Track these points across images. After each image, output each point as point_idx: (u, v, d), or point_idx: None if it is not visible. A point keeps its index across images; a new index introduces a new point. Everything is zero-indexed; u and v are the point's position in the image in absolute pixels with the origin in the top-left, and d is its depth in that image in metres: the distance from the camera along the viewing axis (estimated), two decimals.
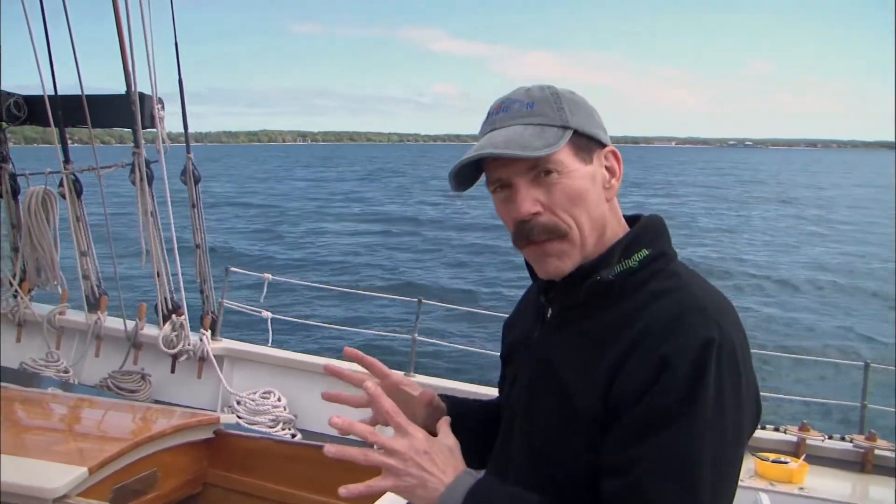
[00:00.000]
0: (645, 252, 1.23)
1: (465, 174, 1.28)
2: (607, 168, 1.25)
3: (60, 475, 2.02)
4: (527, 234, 1.22)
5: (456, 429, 1.29)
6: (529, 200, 1.20)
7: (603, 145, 1.25)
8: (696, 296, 1.18)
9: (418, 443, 1.21)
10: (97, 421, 2.84)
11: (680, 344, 1.10)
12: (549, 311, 1.31)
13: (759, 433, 4.65)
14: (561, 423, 1.19)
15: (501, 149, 1.18)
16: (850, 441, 4.57)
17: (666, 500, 1.07)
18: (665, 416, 1.08)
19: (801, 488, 4.02)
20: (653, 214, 1.31)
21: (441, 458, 1.20)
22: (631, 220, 1.31)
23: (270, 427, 5.24)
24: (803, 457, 4.31)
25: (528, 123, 1.20)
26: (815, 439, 4.55)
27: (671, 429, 1.08)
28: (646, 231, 1.26)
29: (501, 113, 1.24)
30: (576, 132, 1.20)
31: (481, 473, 1.23)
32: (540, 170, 1.20)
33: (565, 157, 1.19)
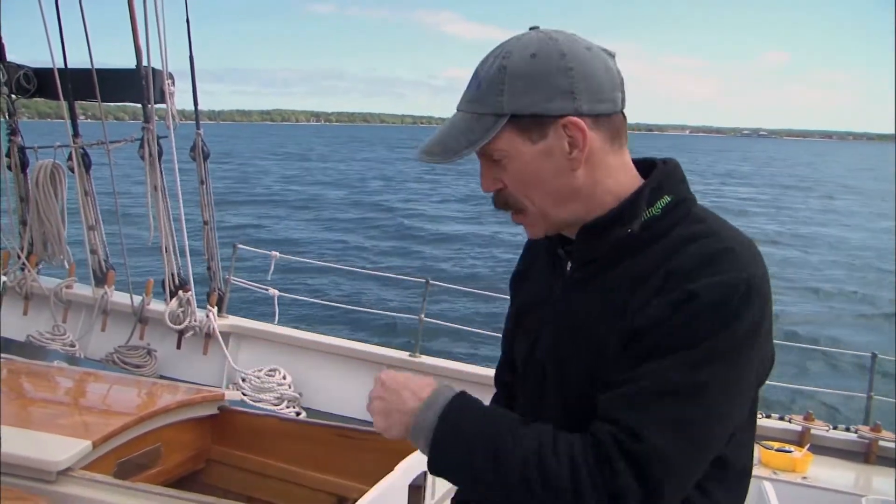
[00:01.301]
0: (667, 199, 1.21)
1: None
2: (569, 138, 1.17)
3: (64, 448, 2.02)
4: (496, 205, 1.26)
5: None
6: (488, 180, 1.23)
7: (559, 114, 1.16)
8: (725, 238, 1.17)
9: (399, 374, 1.25)
10: (102, 395, 2.84)
11: (710, 282, 1.10)
12: (569, 265, 1.29)
13: (763, 421, 4.64)
14: (597, 378, 1.17)
15: (428, 153, 1.20)
16: (855, 431, 4.56)
17: (661, 419, 1.07)
18: (682, 339, 1.09)
19: (805, 478, 4.01)
20: (667, 158, 1.29)
21: (417, 382, 1.23)
22: (643, 165, 1.29)
23: (275, 405, 5.25)
24: (807, 446, 4.29)
25: (467, 111, 1.20)
26: (819, 429, 4.54)
27: (682, 353, 1.08)
28: (667, 178, 1.24)
29: (466, 89, 1.23)
30: (516, 116, 1.16)
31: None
32: (488, 157, 1.21)
33: (507, 142, 1.18)
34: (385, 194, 36.83)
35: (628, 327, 1.14)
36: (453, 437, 1.16)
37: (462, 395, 1.21)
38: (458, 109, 1.22)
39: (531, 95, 1.15)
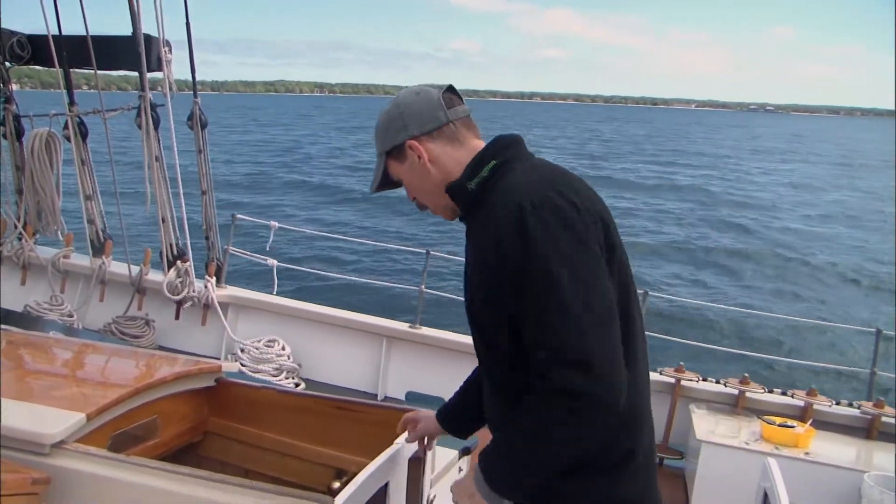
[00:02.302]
0: (493, 162, 1.64)
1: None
2: (414, 153, 1.69)
3: (58, 421, 1.98)
4: (419, 208, 1.82)
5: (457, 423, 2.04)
6: (407, 193, 1.80)
7: (402, 141, 1.69)
8: (517, 180, 1.57)
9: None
10: (98, 367, 2.80)
11: (500, 220, 1.50)
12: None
13: (766, 396, 4.62)
14: (472, 315, 1.68)
15: (371, 186, 1.83)
16: (858, 407, 4.54)
17: (551, 328, 1.41)
18: (519, 278, 1.46)
19: (807, 453, 3.99)
20: (502, 135, 1.70)
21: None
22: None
23: (274, 375, 5.23)
24: (810, 421, 4.27)
25: (374, 153, 1.80)
26: (822, 404, 4.52)
27: (531, 276, 1.44)
28: (491, 149, 1.67)
29: None
30: (387, 152, 1.73)
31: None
32: (397, 181, 1.78)
33: (392, 169, 1.75)
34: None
35: (477, 281, 1.61)
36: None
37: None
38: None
39: (387, 137, 1.73)
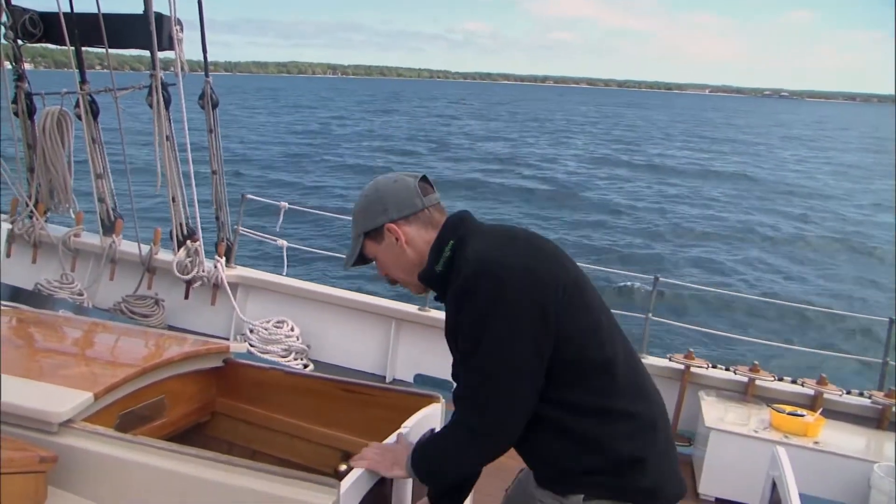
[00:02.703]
0: (451, 242, 1.83)
1: None
2: (391, 235, 1.87)
3: (66, 400, 1.97)
4: (389, 283, 2.00)
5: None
6: (380, 271, 1.98)
7: (381, 224, 1.88)
8: (469, 253, 1.77)
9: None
10: (107, 346, 2.79)
11: (456, 287, 1.75)
12: None
13: (775, 384, 4.59)
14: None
15: (345, 263, 2.01)
16: (869, 397, 4.51)
17: (472, 380, 1.74)
18: (463, 333, 1.74)
19: (816, 442, 3.97)
20: (452, 214, 1.91)
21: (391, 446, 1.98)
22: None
23: (283, 357, 5.24)
24: (820, 410, 4.25)
25: (351, 235, 1.95)
26: (832, 393, 4.49)
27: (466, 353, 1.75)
28: (446, 230, 1.86)
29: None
30: (366, 233, 1.89)
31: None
32: (370, 259, 1.96)
33: (369, 249, 1.92)
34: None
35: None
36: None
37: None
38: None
39: (367, 219, 1.89)
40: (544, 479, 1.83)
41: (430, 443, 1.86)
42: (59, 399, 1.99)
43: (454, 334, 1.79)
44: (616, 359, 1.78)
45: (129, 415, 2.29)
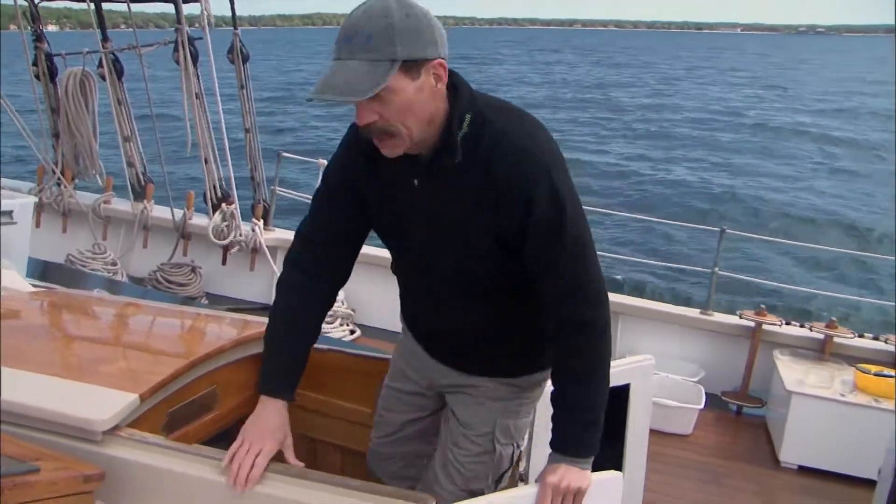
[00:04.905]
0: (468, 116, 1.59)
1: None
2: (435, 76, 1.53)
3: (109, 404, 1.74)
4: (367, 133, 1.57)
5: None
6: (367, 113, 1.51)
7: (433, 58, 1.50)
8: (518, 137, 1.59)
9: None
10: (148, 333, 2.56)
11: (534, 186, 1.57)
12: (416, 181, 1.69)
13: (855, 341, 4.31)
14: (467, 265, 1.74)
15: (339, 95, 1.47)
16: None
17: (579, 274, 1.65)
18: (553, 228, 1.60)
19: None
20: (455, 76, 1.60)
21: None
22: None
23: (329, 323, 5.03)
24: None
25: (363, 59, 1.46)
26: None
27: (562, 233, 1.61)
28: (462, 100, 1.59)
29: (345, 44, 1.48)
30: (406, 61, 1.47)
31: None
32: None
33: (395, 81, 1.47)
34: None
35: (489, 226, 1.63)
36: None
37: None
38: (350, 58, 1.47)
39: (416, 44, 1.47)
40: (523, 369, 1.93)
41: (580, 399, 1.73)
42: (102, 403, 1.75)
43: (508, 233, 1.63)
44: None
45: (179, 411, 2.06)
